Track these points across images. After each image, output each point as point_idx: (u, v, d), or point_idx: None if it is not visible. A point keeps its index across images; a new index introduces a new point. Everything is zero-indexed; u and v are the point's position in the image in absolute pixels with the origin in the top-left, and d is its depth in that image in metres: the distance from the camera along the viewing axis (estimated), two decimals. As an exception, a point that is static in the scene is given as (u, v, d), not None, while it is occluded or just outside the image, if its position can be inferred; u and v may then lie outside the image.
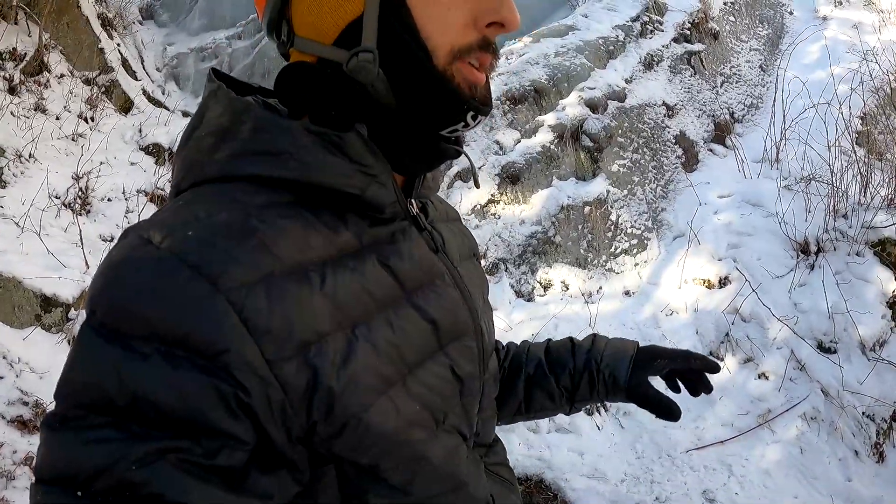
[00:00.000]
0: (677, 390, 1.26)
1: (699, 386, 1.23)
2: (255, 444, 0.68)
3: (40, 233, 4.24)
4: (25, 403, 3.32)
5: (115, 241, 0.78)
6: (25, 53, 5.88)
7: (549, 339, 1.35)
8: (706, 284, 4.90)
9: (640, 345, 1.27)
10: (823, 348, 4.25)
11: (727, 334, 4.51)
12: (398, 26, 0.81)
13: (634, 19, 6.78)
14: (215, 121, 0.83)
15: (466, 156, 0.98)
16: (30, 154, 5.05)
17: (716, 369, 1.22)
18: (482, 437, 1.05)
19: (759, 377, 4.26)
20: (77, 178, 4.99)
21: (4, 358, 3.49)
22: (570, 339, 1.33)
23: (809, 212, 5.00)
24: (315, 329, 0.73)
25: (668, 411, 1.17)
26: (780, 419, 3.96)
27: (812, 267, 4.71)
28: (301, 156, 0.79)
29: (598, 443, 3.99)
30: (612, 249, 5.27)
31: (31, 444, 3.16)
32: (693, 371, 1.23)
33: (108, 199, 5.18)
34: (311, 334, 0.73)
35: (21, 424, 3.22)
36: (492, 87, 0.91)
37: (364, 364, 0.77)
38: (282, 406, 0.70)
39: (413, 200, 0.96)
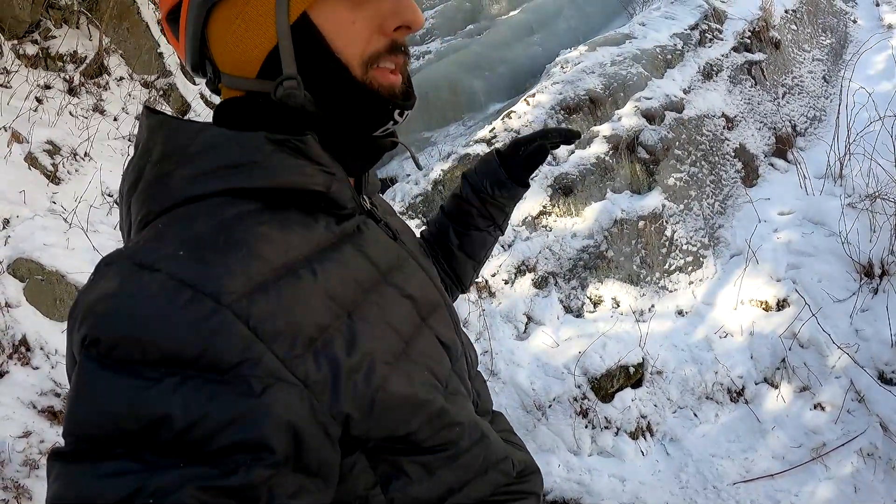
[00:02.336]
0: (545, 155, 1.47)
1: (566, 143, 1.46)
2: (283, 456, 0.68)
3: (87, 229, 4.30)
4: (58, 395, 3.39)
5: (94, 270, 0.76)
6: (86, 56, 5.97)
7: (441, 207, 1.56)
8: (763, 306, 4.73)
9: (497, 148, 1.49)
10: (885, 379, 4.05)
11: (783, 360, 4.34)
12: (312, 48, 0.86)
13: (693, 27, 6.62)
14: (170, 148, 0.84)
15: (404, 145, 1.07)
16: (85, 153, 5.11)
17: (575, 137, 1.44)
18: (482, 406, 1.12)
19: (815, 408, 4.08)
20: (130, 177, 5.06)
21: (42, 349, 3.56)
22: (452, 194, 1.53)
23: (874, 232, 4.79)
24: (316, 323, 0.76)
25: (551, 144, 1.44)
26: (835, 454, 3.79)
27: (876, 291, 4.50)
28: (267, 163, 0.82)
29: (641, 469, 3.88)
30: (667, 266, 5.13)
31: (58, 434, 3.20)
32: (558, 143, 1.45)
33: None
34: (314, 329, 0.75)
35: (51, 415, 3.28)
36: (413, 84, 1.00)
37: (369, 343, 0.81)
38: (309, 402, 0.72)
39: (364, 196, 1.03)
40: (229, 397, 0.66)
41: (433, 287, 1.05)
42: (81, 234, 4.24)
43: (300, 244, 0.81)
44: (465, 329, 4.53)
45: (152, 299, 0.68)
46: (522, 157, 1.43)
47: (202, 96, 6.98)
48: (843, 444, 3.81)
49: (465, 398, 1.01)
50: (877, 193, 5.04)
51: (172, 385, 0.65)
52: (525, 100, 5.74)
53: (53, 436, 3.19)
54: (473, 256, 1.50)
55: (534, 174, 1.51)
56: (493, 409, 1.22)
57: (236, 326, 0.68)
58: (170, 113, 0.91)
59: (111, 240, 4.40)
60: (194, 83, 7.01)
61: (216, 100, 7.17)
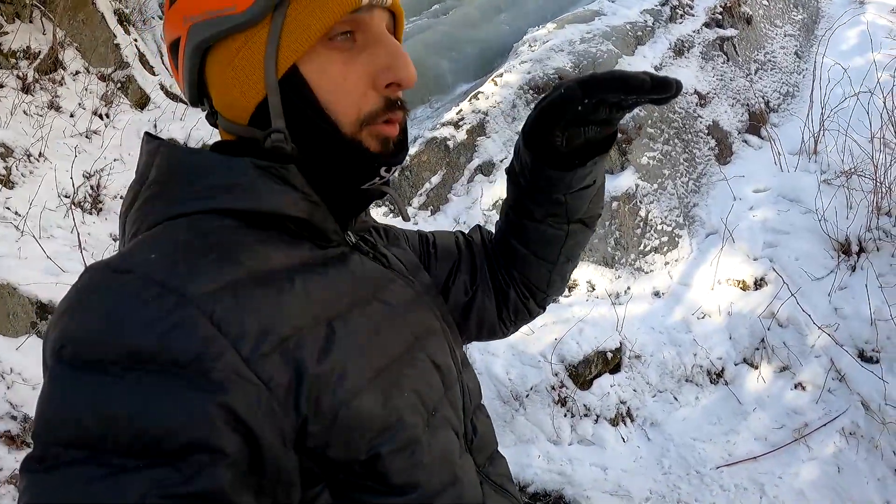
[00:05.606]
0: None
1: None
2: (240, 457, 0.66)
3: (40, 236, 4.11)
4: (14, 418, 3.17)
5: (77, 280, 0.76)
6: (39, 51, 5.78)
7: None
8: (741, 286, 4.66)
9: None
10: (865, 358, 3.99)
11: (762, 340, 4.28)
12: (300, 104, 0.85)
13: (664, 3, 6.51)
14: (164, 169, 0.85)
15: (392, 195, 1.02)
16: (39, 153, 4.93)
17: (669, 90, 0.88)
18: (479, 443, 1.04)
19: (796, 387, 4.03)
20: (88, 175, 4.86)
21: (-4, 368, 3.35)
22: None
23: (851, 209, 4.72)
24: (292, 324, 0.75)
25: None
26: (817, 434, 3.74)
27: (854, 268, 4.45)
28: (250, 186, 0.83)
29: (622, 457, 3.80)
30: (641, 247, 5.04)
31: (17, 460, 3.00)
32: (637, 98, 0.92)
33: (121, 197, 5.02)
34: (288, 328, 0.74)
35: (9, 440, 3.08)
36: (408, 130, 0.96)
37: (346, 353, 0.79)
38: (269, 405, 0.70)
39: (349, 233, 0.99)
40: (185, 393, 0.64)
41: (426, 308, 1.03)
42: (34, 241, 4.04)
43: (281, 258, 0.81)
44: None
45: (119, 298, 0.68)
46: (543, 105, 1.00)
47: (162, 87, 6.76)
48: (824, 424, 3.77)
49: (452, 432, 0.94)
50: (852, 169, 4.97)
51: (133, 381, 0.64)
52: (493, 80, 5.61)
53: (12, 462, 3.01)
54: (537, 253, 1.19)
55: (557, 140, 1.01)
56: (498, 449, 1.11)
57: (199, 321, 0.67)
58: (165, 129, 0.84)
59: (66, 246, 4.22)
60: (154, 74, 6.80)
61: (176, 90, 6.98)
